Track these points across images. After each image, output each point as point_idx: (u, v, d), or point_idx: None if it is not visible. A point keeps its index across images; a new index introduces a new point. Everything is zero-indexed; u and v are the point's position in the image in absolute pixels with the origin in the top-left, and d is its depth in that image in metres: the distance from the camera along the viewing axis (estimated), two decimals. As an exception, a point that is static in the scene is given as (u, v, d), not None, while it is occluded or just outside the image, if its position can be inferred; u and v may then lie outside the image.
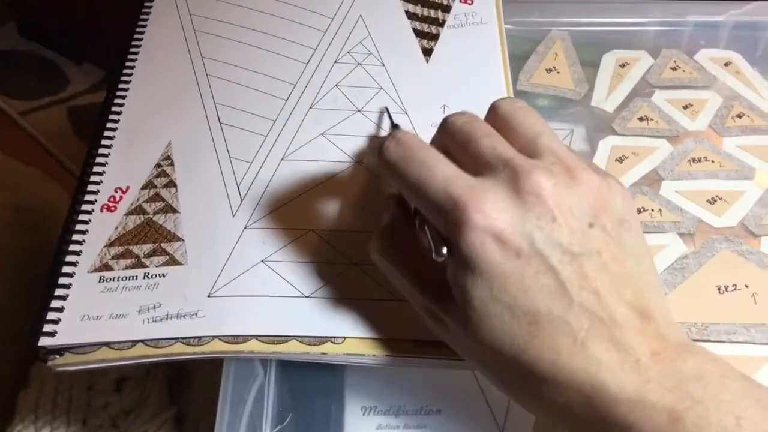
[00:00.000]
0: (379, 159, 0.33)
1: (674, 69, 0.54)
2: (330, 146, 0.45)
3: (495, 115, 0.34)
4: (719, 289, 0.42)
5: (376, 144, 0.35)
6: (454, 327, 0.32)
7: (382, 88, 0.48)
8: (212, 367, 0.47)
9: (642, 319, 0.30)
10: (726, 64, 0.54)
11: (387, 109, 0.47)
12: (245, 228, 0.40)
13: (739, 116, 0.51)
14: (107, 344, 0.36)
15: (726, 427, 0.27)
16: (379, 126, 0.46)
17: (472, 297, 0.30)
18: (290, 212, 0.41)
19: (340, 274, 0.39)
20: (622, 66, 0.54)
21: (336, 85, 0.48)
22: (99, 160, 0.43)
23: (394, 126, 0.44)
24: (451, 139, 0.33)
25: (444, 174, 0.31)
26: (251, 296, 0.37)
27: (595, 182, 0.31)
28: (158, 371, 0.46)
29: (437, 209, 0.30)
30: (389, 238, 0.35)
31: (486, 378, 0.32)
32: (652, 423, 0.28)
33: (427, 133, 0.45)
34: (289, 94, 0.47)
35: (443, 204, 0.30)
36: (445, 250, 0.30)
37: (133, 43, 0.50)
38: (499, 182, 0.30)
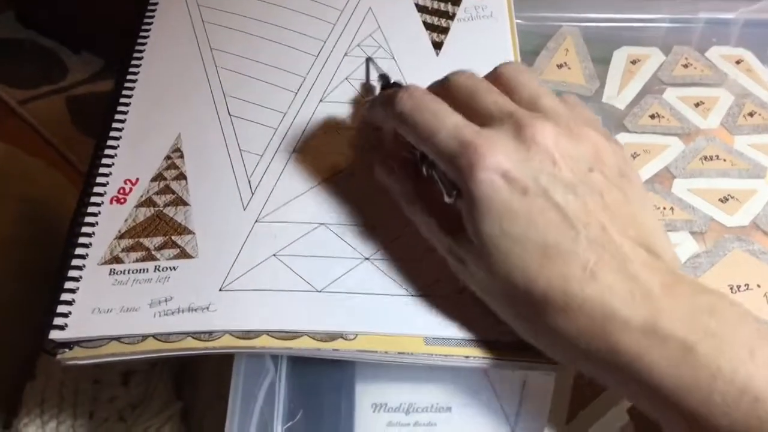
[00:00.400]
0: (391, 110, 0.36)
1: (686, 66, 0.54)
2: (341, 139, 0.44)
3: (497, 77, 0.36)
4: (731, 288, 0.42)
5: (384, 97, 0.38)
6: (472, 265, 0.33)
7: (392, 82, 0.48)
8: (218, 362, 0.47)
9: (650, 254, 0.31)
10: (737, 62, 0.54)
11: (371, 59, 0.48)
12: (256, 221, 0.40)
13: (751, 114, 0.51)
14: (117, 338, 0.35)
15: (739, 359, 0.27)
16: (367, 76, 0.48)
17: (484, 233, 0.32)
18: (301, 206, 0.41)
19: (352, 268, 0.38)
20: (634, 62, 0.54)
21: (346, 78, 0.48)
22: (108, 152, 0.43)
23: (383, 76, 0.45)
24: (453, 94, 0.36)
25: (454, 123, 0.33)
26: (263, 290, 0.37)
27: (594, 137, 0.33)
28: (164, 365, 0.46)
29: (448, 154, 0.33)
30: (414, 188, 0.38)
31: (503, 317, 0.34)
32: (662, 352, 0.28)
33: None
34: (299, 87, 0.47)
35: (454, 149, 0.32)
36: (454, 192, 0.33)
37: (141, 34, 0.50)
38: (503, 131, 0.32)
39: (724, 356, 0.28)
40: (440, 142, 0.33)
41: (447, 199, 0.34)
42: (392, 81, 0.45)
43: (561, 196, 0.31)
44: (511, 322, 0.34)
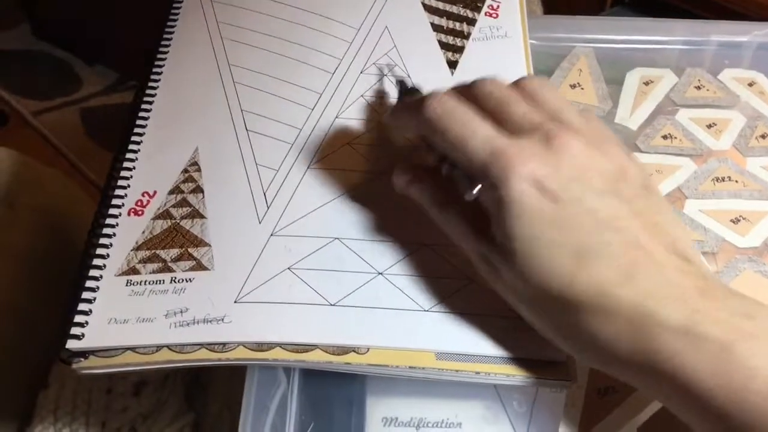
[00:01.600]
0: (420, 116, 0.36)
1: (698, 88, 0.54)
2: (356, 156, 0.45)
3: (521, 90, 0.37)
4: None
5: (411, 103, 0.38)
6: (505, 272, 0.33)
7: (406, 100, 0.48)
8: (229, 373, 0.47)
9: (682, 260, 0.31)
10: (750, 84, 0.54)
11: (386, 66, 0.49)
12: (272, 235, 0.40)
13: (763, 137, 0.51)
14: (132, 348, 0.36)
15: None
16: (381, 81, 0.49)
17: (516, 240, 0.32)
18: (316, 220, 0.41)
19: (366, 283, 0.39)
20: (646, 84, 0.54)
21: (362, 96, 0.48)
22: (126, 164, 0.43)
23: (401, 81, 0.46)
24: (481, 101, 0.36)
25: (485, 133, 0.34)
26: (277, 303, 0.37)
27: (617, 153, 0.34)
28: (176, 376, 0.46)
29: (480, 162, 0.33)
30: (444, 195, 0.37)
31: (536, 324, 0.34)
32: (699, 352, 0.29)
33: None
34: (315, 103, 0.48)
35: (485, 158, 0.33)
36: (476, 190, 0.33)
37: (160, 48, 0.50)
38: (533, 142, 0.33)
39: (760, 356, 0.28)
40: (472, 151, 0.33)
41: (466, 197, 0.34)
42: (410, 86, 0.45)
43: (591, 203, 0.32)
44: (544, 327, 0.34)
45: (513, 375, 0.36)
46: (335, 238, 0.40)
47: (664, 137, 0.51)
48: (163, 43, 0.51)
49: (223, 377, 0.46)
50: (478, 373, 0.36)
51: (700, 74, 0.55)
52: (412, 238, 0.41)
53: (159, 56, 0.50)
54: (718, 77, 0.55)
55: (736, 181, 0.48)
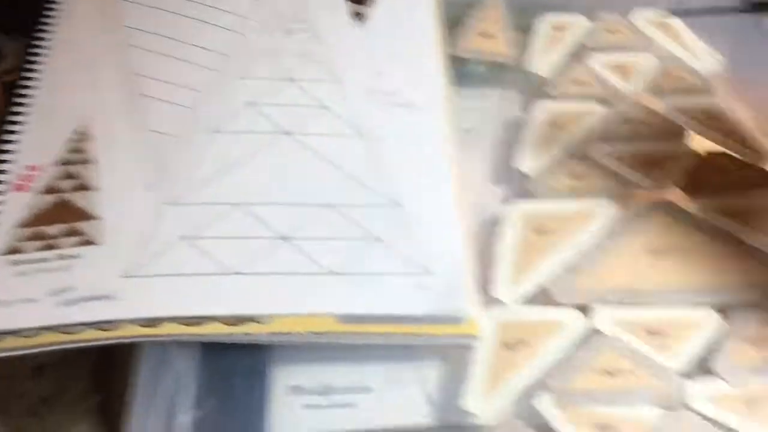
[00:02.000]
0: None
1: (611, 32, 0.53)
2: (260, 117, 0.43)
3: None
4: (652, 253, 0.41)
5: None
6: None
7: (313, 56, 0.47)
8: (132, 351, 0.45)
9: None
10: (663, 27, 0.54)
11: None
12: (166, 204, 0.39)
13: (675, 79, 0.50)
14: (14, 332, 0.34)
15: None
16: None
17: None
18: (216, 186, 0.40)
19: (267, 248, 0.37)
20: (557, 30, 0.53)
21: (267, 54, 0.47)
22: (9, 137, 0.41)
23: None
24: None
25: None
26: (170, 275, 0.36)
27: None
28: (79, 357, 0.44)
29: None
30: None
31: None
32: None
33: (360, 101, 0.44)
34: (217, 64, 0.46)
35: None
36: None
37: (50, 12, 0.48)
38: None
39: None
40: None
41: None
42: None
43: None
44: None
45: (418, 334, 0.35)
46: (233, 204, 0.39)
47: (576, 83, 0.50)
48: (52, 5, 0.48)
49: (128, 354, 0.44)
50: (382, 334, 0.35)
51: (612, 18, 0.54)
52: (317, 200, 0.40)
53: (47, 19, 0.47)
54: (631, 20, 0.54)
55: (648, 125, 0.48)
